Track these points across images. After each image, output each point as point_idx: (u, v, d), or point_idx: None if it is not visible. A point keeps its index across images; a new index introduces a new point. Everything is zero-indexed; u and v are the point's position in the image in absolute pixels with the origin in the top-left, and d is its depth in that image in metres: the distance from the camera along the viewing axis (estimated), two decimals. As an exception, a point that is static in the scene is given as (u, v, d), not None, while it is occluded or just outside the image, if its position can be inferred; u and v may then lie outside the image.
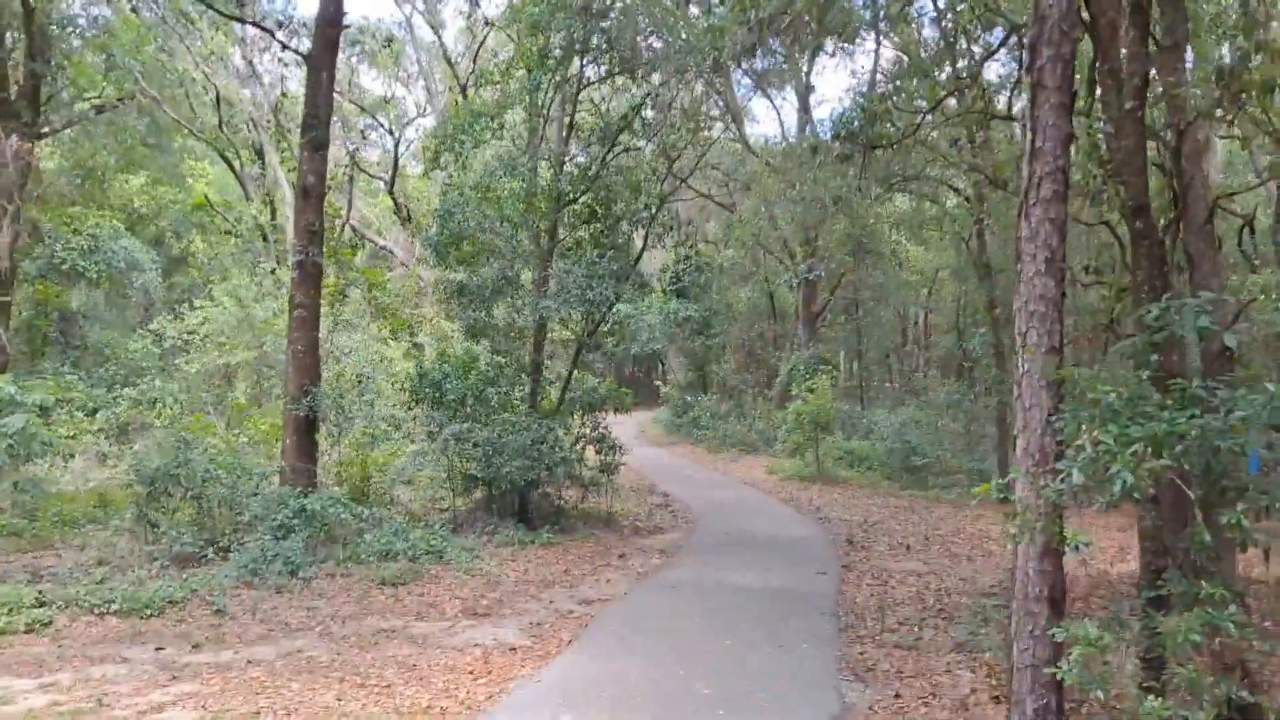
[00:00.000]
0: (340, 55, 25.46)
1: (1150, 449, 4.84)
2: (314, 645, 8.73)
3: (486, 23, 25.79)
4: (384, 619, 9.78)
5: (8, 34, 15.35)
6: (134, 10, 18.60)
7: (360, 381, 16.75)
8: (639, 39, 15.85)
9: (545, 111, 16.81)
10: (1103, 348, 11.15)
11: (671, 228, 19.32)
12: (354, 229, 30.84)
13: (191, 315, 22.49)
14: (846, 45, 13.52)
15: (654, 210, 17.59)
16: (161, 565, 11.10)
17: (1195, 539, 5.18)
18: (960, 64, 13.59)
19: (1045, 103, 6.07)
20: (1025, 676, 6.03)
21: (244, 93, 28.98)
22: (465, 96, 25.14)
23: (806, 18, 10.33)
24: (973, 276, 24.25)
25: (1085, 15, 7.31)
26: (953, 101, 15.90)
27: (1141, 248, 6.66)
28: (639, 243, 18.73)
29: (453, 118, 17.00)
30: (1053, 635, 5.35)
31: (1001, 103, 13.95)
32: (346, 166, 28.07)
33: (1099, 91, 8.62)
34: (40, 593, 9.57)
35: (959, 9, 12.99)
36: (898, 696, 7.49)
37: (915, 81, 15.33)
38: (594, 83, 17.36)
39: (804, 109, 29.88)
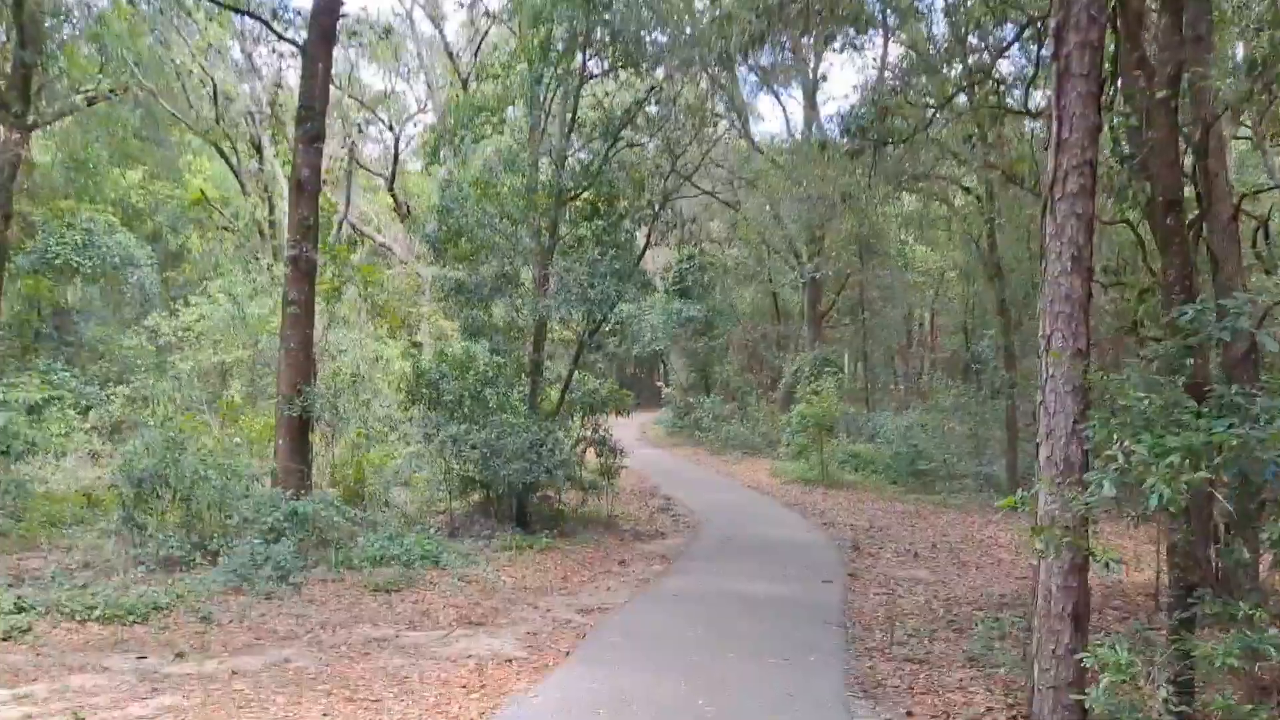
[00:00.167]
0: (339, 49, 25.15)
1: (1187, 460, 4.51)
2: (302, 655, 8.40)
3: (487, 13, 25.47)
4: (375, 627, 9.45)
5: (-3, 22, 15.10)
6: (130, 1, 18.24)
7: (355, 381, 16.41)
8: (643, 32, 15.54)
9: (547, 106, 16.50)
10: (1124, 353, 10.81)
11: (675, 225, 19.00)
12: (353, 226, 30.50)
13: (186, 312, 22.15)
14: (857, 37, 13.12)
15: (657, 207, 17.26)
16: (148, 569, 10.77)
17: (1231, 555, 4.86)
18: (972, 59, 13.22)
19: (1072, 91, 5.75)
20: (1047, 699, 5.70)
21: (243, 87, 28.66)
22: (466, 91, 24.79)
23: (818, 5, 9.99)
24: (981, 277, 23.93)
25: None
26: (963, 98, 15.60)
27: (1173, 246, 6.32)
28: (642, 241, 18.42)
29: (453, 111, 16.67)
30: (1080, 660, 5.02)
31: (1014, 102, 13.58)
32: (341, 160, 27.68)
33: (1119, 82, 8.31)
34: (19, 598, 9.23)
35: (970, 2, 12.64)
36: (910, 715, 7.15)
37: (924, 79, 15.01)
38: (597, 76, 17.03)
39: (810, 106, 29.56)
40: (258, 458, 15.63)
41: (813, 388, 24.38)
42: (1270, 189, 11.64)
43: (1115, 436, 4.78)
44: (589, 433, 16.80)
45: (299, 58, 13.97)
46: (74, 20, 17.14)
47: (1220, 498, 4.89)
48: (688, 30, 15.60)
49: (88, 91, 18.68)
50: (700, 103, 20.25)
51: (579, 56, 16.04)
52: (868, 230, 29.40)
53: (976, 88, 13.55)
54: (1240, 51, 13.41)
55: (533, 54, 15.69)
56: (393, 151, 32.91)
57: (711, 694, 7.44)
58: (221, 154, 28.22)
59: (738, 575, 12.43)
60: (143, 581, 10.30)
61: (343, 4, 14.24)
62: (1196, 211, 7.70)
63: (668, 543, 15.37)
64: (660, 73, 16.62)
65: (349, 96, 30.80)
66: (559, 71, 15.94)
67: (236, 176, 28.65)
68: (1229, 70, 10.77)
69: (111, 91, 18.81)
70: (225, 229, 30.31)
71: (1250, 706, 4.67)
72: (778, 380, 32.93)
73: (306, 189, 13.46)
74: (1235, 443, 4.49)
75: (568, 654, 8.64)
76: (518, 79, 16.67)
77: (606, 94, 18.39)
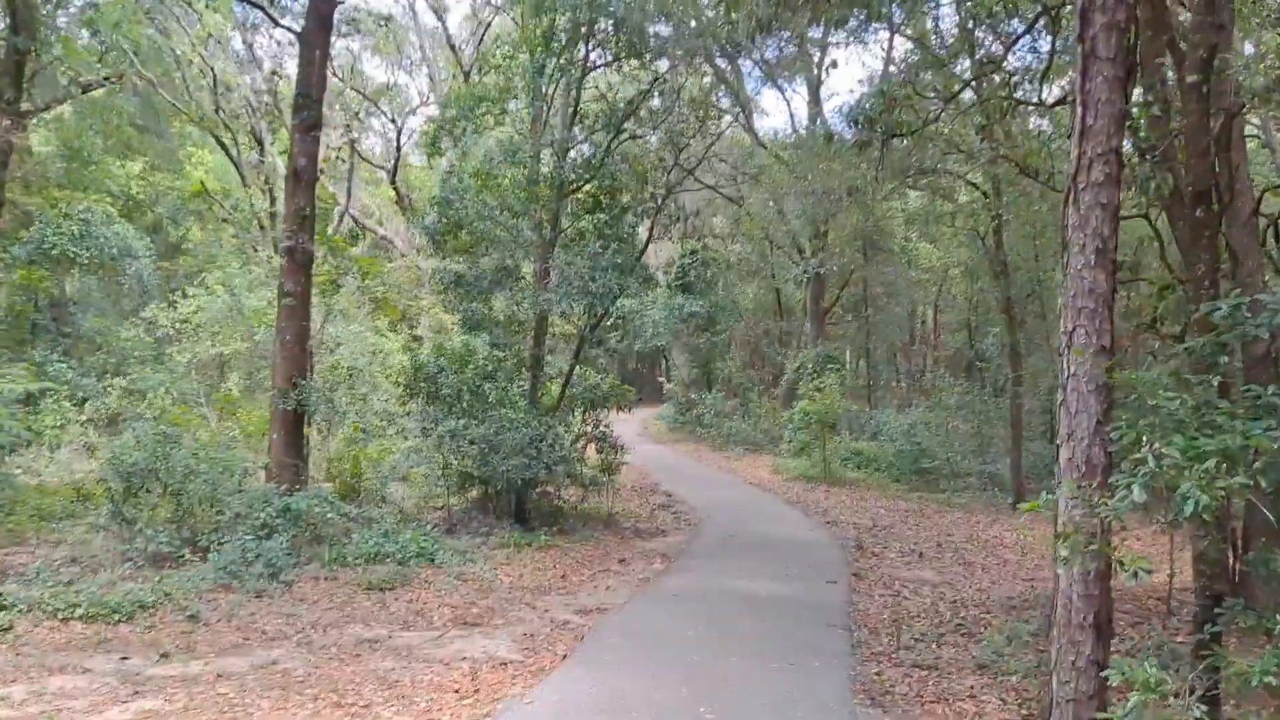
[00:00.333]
0: (342, 41, 24.83)
1: (1224, 465, 4.24)
2: (290, 656, 8.15)
3: (490, 3, 25.16)
4: (368, 627, 9.20)
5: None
6: (128, -14, 17.95)
7: (352, 374, 16.13)
8: (646, 24, 15.26)
9: (549, 97, 16.22)
10: (1139, 351, 10.53)
11: (678, 219, 18.71)
12: (354, 219, 30.23)
13: (184, 304, 21.89)
14: (866, 25, 12.80)
15: (660, 200, 16.98)
16: (135, 566, 10.50)
17: (1267, 565, 4.59)
18: (981, 52, 12.92)
19: (1098, 76, 5.46)
20: (1067, 712, 5.43)
21: (244, 78, 28.37)
22: (468, 83, 24.50)
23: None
24: (987, 274, 23.63)
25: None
26: (968, 95, 15.32)
27: (1202, 239, 6.03)
28: (644, 235, 18.14)
29: (453, 102, 16.39)
30: (1106, 678, 4.75)
31: (1025, 95, 13.27)
32: (340, 149, 27.39)
33: (1139, 70, 8.02)
34: (1, 595, 8.98)
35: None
36: (919, 725, 6.90)
37: (930, 75, 14.69)
38: (599, 67, 16.74)
39: (815, 101, 29.27)
40: (253, 452, 15.39)
41: (816, 384, 24.10)
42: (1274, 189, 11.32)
43: (1145, 438, 4.50)
44: (590, 428, 16.54)
45: (297, 45, 13.70)
46: (69, 6, 16.87)
47: (1261, 506, 4.60)
48: (692, 23, 15.35)
49: (83, 79, 18.37)
50: (704, 95, 19.96)
51: (582, 47, 15.76)
52: (872, 226, 29.10)
53: (985, 81, 13.25)
54: (1249, 49, 13.12)
55: (535, 44, 15.41)
56: (395, 145, 32.69)
57: (713, 699, 7.18)
58: (222, 145, 27.93)
59: (740, 574, 12.17)
60: (130, 578, 10.03)
61: (342, -9, 13.98)
62: (1214, 206, 7.39)
63: (669, 540, 15.12)
64: (664, 64, 16.33)
65: (351, 89, 30.54)
66: (561, 62, 15.66)
67: (237, 168, 28.36)
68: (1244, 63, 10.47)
69: (107, 79, 18.49)
70: (225, 221, 30.04)
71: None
72: (780, 377, 32.67)
73: (303, 178, 13.20)
74: (1277, 446, 4.22)
75: (565, 657, 8.38)
76: (519, 69, 16.39)
77: (610, 85, 18.10)
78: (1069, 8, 10.42)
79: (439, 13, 31.26)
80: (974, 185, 20.94)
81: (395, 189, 32.63)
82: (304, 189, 13.24)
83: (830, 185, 19.87)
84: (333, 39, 23.79)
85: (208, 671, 7.66)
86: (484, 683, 7.58)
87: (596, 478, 16.15)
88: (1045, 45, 14.03)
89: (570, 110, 16.32)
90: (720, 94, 26.64)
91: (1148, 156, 6.99)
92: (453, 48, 31.10)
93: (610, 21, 15.24)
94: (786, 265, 33.52)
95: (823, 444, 23.68)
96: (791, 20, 10.94)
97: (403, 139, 32.52)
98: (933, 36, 18.21)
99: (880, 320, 34.53)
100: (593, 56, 16.23)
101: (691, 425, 33.52)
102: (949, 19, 17.64)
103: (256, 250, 25.63)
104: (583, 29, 15.25)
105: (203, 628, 8.87)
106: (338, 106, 28.84)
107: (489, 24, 27.94)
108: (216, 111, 26.07)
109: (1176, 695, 4.46)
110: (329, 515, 11.81)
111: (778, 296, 36.93)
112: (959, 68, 14.61)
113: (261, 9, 14.62)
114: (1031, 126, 17.87)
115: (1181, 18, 8.21)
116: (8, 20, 14.41)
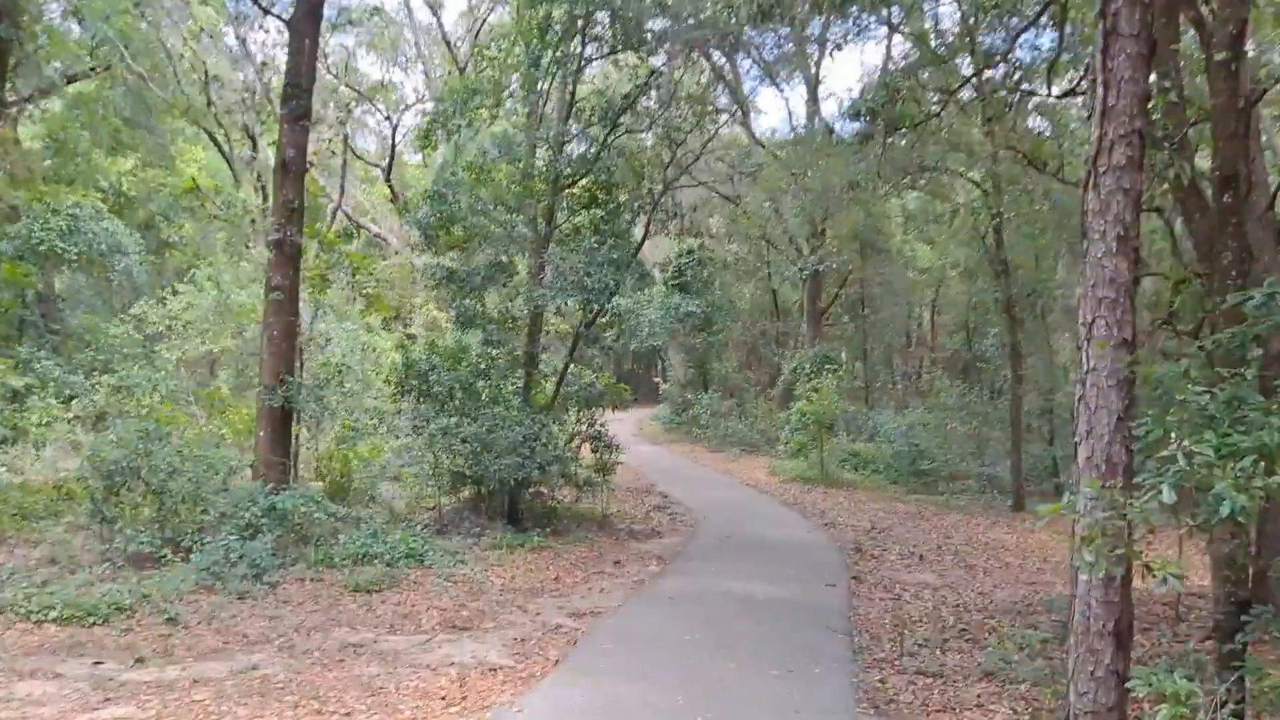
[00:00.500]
0: (338, 37, 24.46)
1: (1260, 463, 3.96)
2: (271, 661, 7.84)
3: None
4: (353, 631, 8.89)
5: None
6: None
7: (341, 371, 15.81)
8: (644, 16, 14.98)
9: (545, 91, 15.94)
10: (1156, 348, 10.26)
11: (675, 214, 18.43)
12: (348, 215, 29.92)
13: (174, 300, 21.56)
14: (867, 14, 12.50)
15: (657, 196, 16.70)
16: (114, 566, 10.18)
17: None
18: (985, 43, 12.65)
19: (1120, 53, 5.19)
20: (1085, 725, 5.16)
21: (237, 74, 28.04)
22: (462, 76, 24.19)
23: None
24: (987, 274, 23.42)
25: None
26: (971, 90, 15.06)
27: (1229, 226, 5.76)
28: (640, 231, 17.85)
29: (447, 94, 16.09)
30: (1131, 690, 4.46)
31: (1031, 87, 13.01)
32: (331, 141, 27.04)
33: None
34: (-27, 596, 8.67)
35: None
36: (926, 735, 6.62)
37: (929, 73, 14.43)
38: (596, 60, 16.45)
39: (813, 99, 29.00)
40: (241, 450, 15.06)
41: (813, 384, 23.84)
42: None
43: (1174, 435, 4.22)
44: (584, 428, 16.25)
45: (285, 34, 13.39)
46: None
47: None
48: (689, 20, 15.07)
49: (70, 69, 18.00)
50: (702, 91, 19.69)
51: (578, 39, 15.47)
52: (869, 226, 28.89)
53: (989, 75, 13.00)
54: (1253, 51, 12.87)
55: (530, 36, 15.12)
56: (390, 142, 32.39)
57: (711, 708, 6.89)
58: (214, 141, 27.60)
59: (737, 577, 11.89)
60: (108, 579, 9.71)
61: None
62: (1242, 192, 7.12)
63: (664, 542, 14.83)
64: (661, 57, 16.06)
65: (346, 86, 30.21)
66: (557, 55, 15.37)
67: (228, 163, 28.03)
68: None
69: (92, 69, 18.12)
70: (217, 218, 29.68)
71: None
72: (776, 377, 32.42)
73: (291, 169, 12.88)
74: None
75: (557, 662, 8.07)
76: (515, 61, 16.09)
77: (606, 78, 17.82)
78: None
79: (434, 8, 30.95)
80: (975, 183, 20.71)
81: (390, 187, 32.32)
82: (292, 180, 12.91)
83: (830, 182, 19.60)
84: (329, 35, 23.63)
85: (184, 677, 7.34)
86: (472, 689, 7.28)
87: (591, 478, 15.87)
88: (1045, 42, 13.82)
89: (566, 104, 16.03)
90: (718, 90, 26.35)
91: (1166, 143, 6.72)
92: (448, 44, 30.81)
93: (607, 13, 14.96)
94: (783, 265, 33.30)
95: (820, 445, 23.43)
96: (794, 4, 10.66)
97: (398, 137, 32.26)
98: (932, 37, 17.98)
99: (877, 321, 34.33)
100: (589, 49, 15.95)
101: (687, 426, 33.26)
102: (949, 18, 17.44)
103: (248, 247, 25.29)
104: (579, 21, 14.96)
105: (181, 631, 8.56)
106: (331, 103, 28.52)
107: (485, 19, 27.64)
108: (208, 106, 25.72)
109: (1208, 709, 4.19)
110: (316, 515, 11.50)
111: (774, 297, 36.71)
112: (962, 65, 14.37)
113: (250, -3, 14.28)
114: (1031, 124, 17.69)
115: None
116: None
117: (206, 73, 25.10)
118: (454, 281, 15.58)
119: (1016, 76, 12.21)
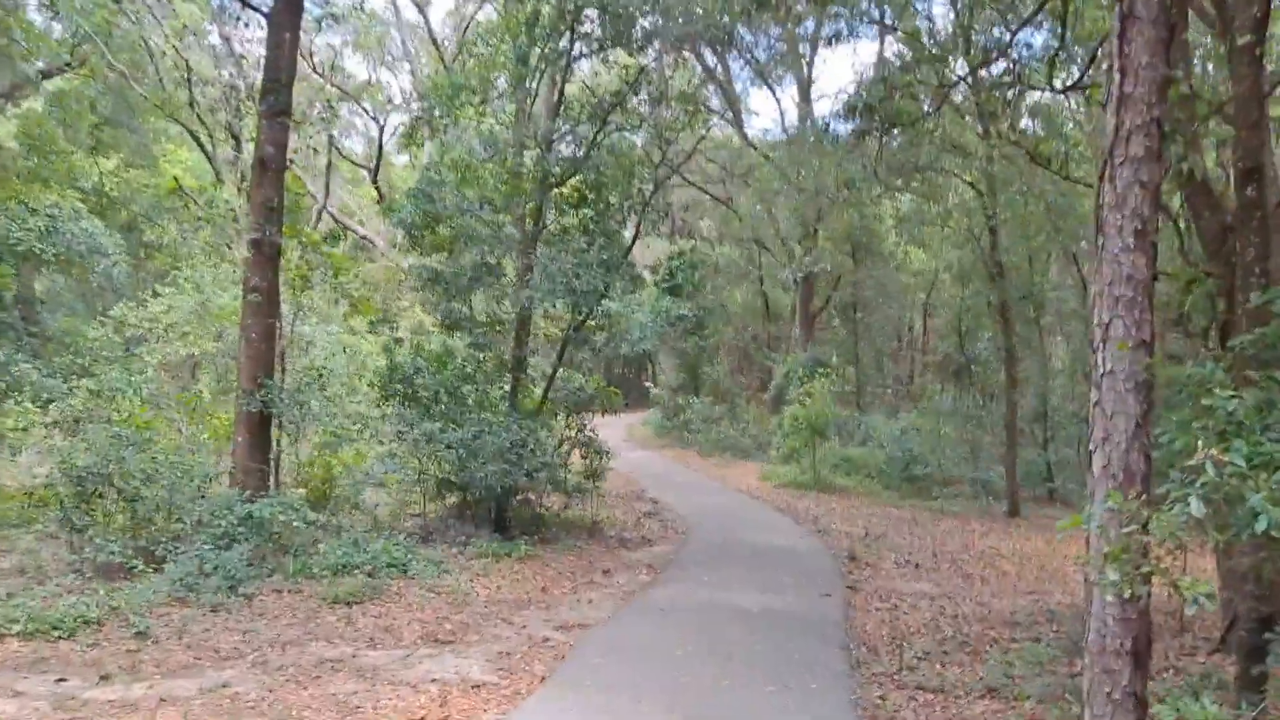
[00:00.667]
0: (323, 37, 24.04)
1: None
2: (244, 678, 7.47)
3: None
4: (331, 645, 8.53)
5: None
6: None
7: (321, 375, 15.42)
8: (635, 12, 14.68)
9: (533, 88, 15.63)
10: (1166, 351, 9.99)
11: (666, 214, 18.13)
12: (333, 217, 29.52)
13: (155, 303, 21.14)
14: (856, 19, 12.26)
15: (648, 196, 16.38)
16: (83, 577, 9.80)
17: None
18: (984, 38, 12.38)
19: (1138, 38, 4.89)
20: (1101, 749, 4.86)
21: (220, 73, 27.62)
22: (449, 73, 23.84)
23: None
24: (981, 276, 23.20)
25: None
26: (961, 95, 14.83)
27: (1252, 221, 5.47)
28: (631, 232, 17.54)
29: (432, 91, 15.74)
30: (1149, 711, 4.16)
31: (1032, 85, 12.75)
32: (313, 137, 26.64)
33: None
34: (-68, 610, 8.28)
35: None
36: (929, 756, 6.31)
37: (920, 72, 14.17)
38: (585, 56, 16.13)
39: (805, 100, 28.76)
40: (220, 454, 14.66)
41: (806, 389, 23.56)
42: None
43: (1200, 443, 3.93)
44: (573, 433, 15.92)
45: (265, 28, 13.03)
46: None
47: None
48: (680, 19, 14.78)
49: (49, 66, 17.58)
50: (692, 90, 19.40)
51: (566, 35, 15.15)
52: (862, 228, 28.67)
53: (986, 70, 12.74)
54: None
55: (517, 31, 14.80)
56: (377, 143, 32.01)
57: (704, 729, 6.58)
58: (196, 140, 27.18)
59: (730, 586, 11.58)
60: (77, 590, 9.33)
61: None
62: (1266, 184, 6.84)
63: (655, 550, 14.51)
64: (651, 54, 15.76)
65: (331, 85, 29.84)
66: (545, 51, 15.06)
67: (211, 163, 27.62)
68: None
69: (68, 65, 17.70)
70: (200, 219, 29.24)
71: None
72: (768, 382, 32.15)
73: (270, 166, 12.50)
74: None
75: (544, 678, 7.75)
76: (502, 58, 15.75)
77: (596, 76, 17.51)
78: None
79: (421, 6, 30.61)
80: (970, 184, 20.49)
81: (377, 188, 31.95)
82: (271, 178, 12.54)
83: (823, 182, 19.35)
84: (315, 34, 23.22)
85: (151, 695, 6.98)
86: (454, 708, 6.94)
87: (580, 484, 15.55)
88: (1038, 40, 13.56)
89: (555, 101, 15.72)
90: (711, 89, 26.09)
91: (1179, 136, 6.45)
92: (435, 43, 30.48)
93: (596, 9, 14.65)
94: (775, 268, 33.07)
95: (812, 450, 23.16)
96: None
97: (385, 137, 31.86)
98: (926, 37, 17.76)
99: (870, 325, 34.12)
100: (578, 47, 15.63)
101: (678, 431, 32.97)
102: (942, 17, 17.20)
103: (230, 247, 24.86)
104: (568, 16, 14.65)
105: (151, 645, 8.18)
106: (318, 104, 28.14)
107: (472, 17, 27.32)
108: (191, 105, 25.31)
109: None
110: (295, 523, 11.12)
111: (766, 300, 36.47)
112: (957, 63, 14.12)
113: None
114: (1024, 125, 17.48)
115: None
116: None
117: (189, 70, 24.68)
118: (440, 283, 15.23)
119: (1015, 73, 11.96)
